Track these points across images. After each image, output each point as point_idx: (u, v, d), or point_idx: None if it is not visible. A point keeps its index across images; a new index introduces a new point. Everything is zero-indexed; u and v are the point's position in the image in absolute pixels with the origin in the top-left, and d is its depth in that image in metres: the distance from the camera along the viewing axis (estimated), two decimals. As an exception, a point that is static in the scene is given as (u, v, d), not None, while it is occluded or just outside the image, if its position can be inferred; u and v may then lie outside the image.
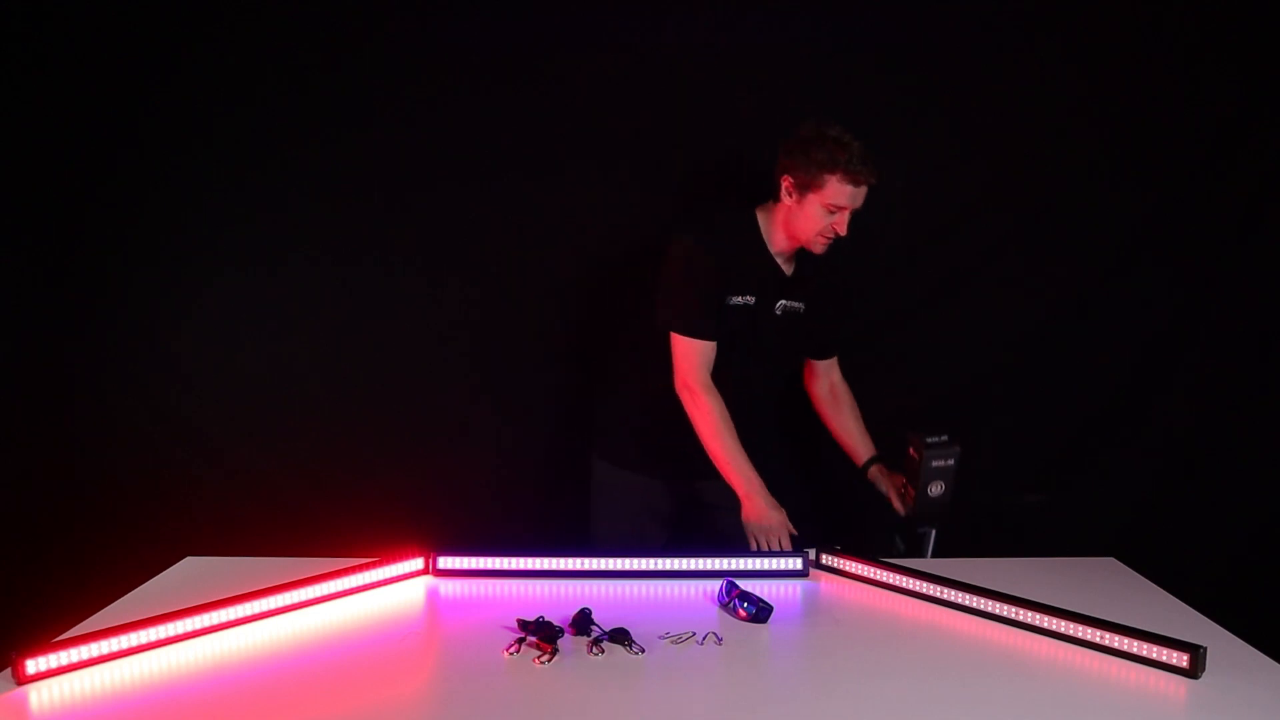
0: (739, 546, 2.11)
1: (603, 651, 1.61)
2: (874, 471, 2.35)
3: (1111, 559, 2.13)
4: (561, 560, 1.99)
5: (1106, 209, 2.66)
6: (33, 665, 1.50)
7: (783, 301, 2.23)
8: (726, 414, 2.14)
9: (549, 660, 1.57)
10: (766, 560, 2.00)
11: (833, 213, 2.08)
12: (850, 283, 2.39)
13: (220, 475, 2.71)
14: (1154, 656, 1.57)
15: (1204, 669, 1.53)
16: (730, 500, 2.16)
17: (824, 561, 2.04)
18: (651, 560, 1.99)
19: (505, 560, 1.98)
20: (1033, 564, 2.07)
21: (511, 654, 1.60)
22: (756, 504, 2.09)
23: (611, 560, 2.00)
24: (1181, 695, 1.50)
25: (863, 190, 2.08)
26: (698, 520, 2.41)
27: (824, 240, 2.12)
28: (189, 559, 2.07)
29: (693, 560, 1.99)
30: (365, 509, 2.67)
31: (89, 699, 1.47)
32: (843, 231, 2.10)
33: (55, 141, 2.58)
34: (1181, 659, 1.54)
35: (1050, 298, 2.70)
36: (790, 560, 2.00)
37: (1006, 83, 2.61)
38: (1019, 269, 2.68)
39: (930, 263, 2.70)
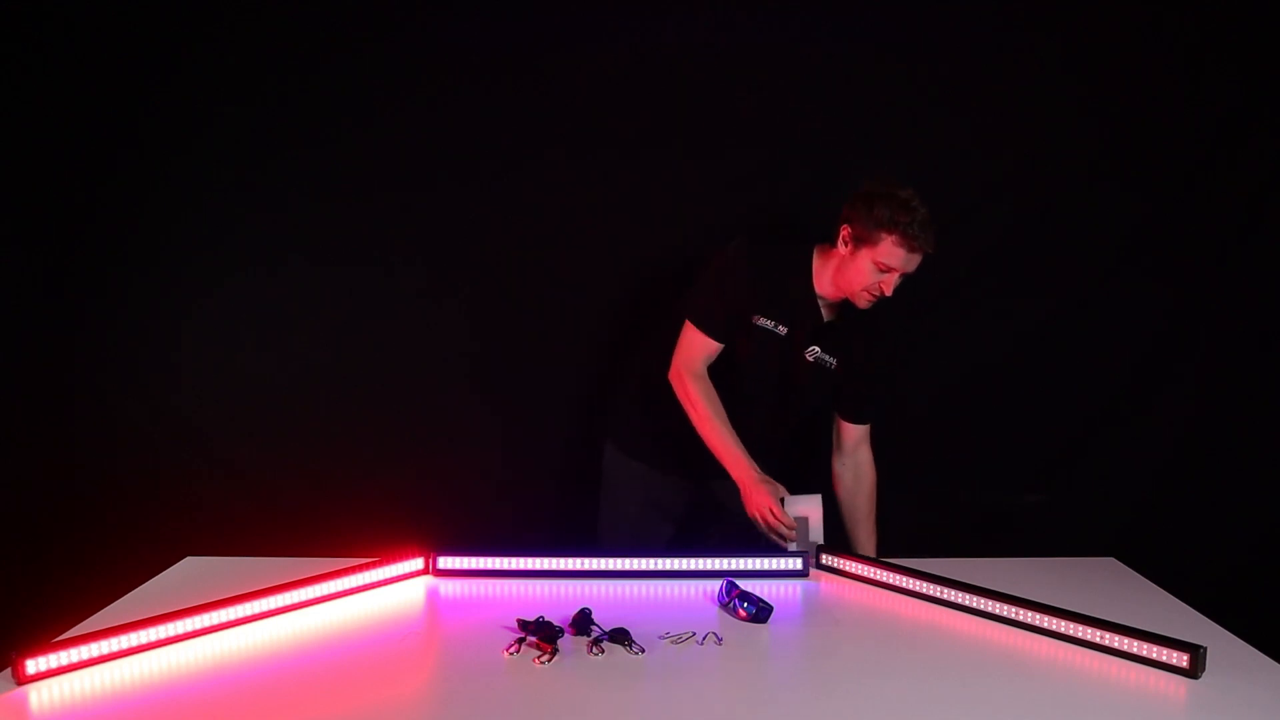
0: (745, 547, 2.11)
1: (603, 651, 1.61)
2: None
3: (1111, 559, 2.13)
4: (561, 560, 1.99)
5: (1106, 209, 2.66)
6: (33, 665, 1.49)
7: (815, 348, 2.19)
8: (717, 401, 2.14)
9: (549, 660, 1.57)
10: (766, 560, 2.00)
11: (883, 271, 2.04)
12: (895, 349, 2.35)
13: (220, 475, 2.71)
14: (1154, 656, 1.57)
15: (1204, 669, 1.53)
16: (739, 502, 2.16)
17: (824, 561, 2.04)
18: (651, 560, 2.00)
19: (505, 560, 1.98)
20: (1033, 564, 2.07)
21: (511, 654, 1.60)
22: (746, 488, 2.08)
23: (611, 560, 2.00)
24: (1181, 695, 1.50)
25: (917, 257, 2.04)
26: (705, 519, 2.41)
27: (869, 297, 2.09)
28: (189, 559, 2.07)
29: (693, 560, 1.99)
30: (365, 509, 2.67)
31: (89, 699, 1.47)
32: (888, 292, 2.06)
33: (55, 142, 2.58)
34: (1181, 659, 1.54)
35: (1050, 298, 2.70)
36: (790, 560, 2.00)
37: (1006, 83, 2.61)
38: (1019, 269, 2.69)
39: (930, 262, 2.69)
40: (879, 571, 1.95)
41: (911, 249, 2.02)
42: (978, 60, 2.59)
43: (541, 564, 1.98)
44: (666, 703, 1.46)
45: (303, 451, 2.71)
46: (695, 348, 2.17)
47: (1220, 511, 2.75)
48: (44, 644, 1.52)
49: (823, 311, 2.18)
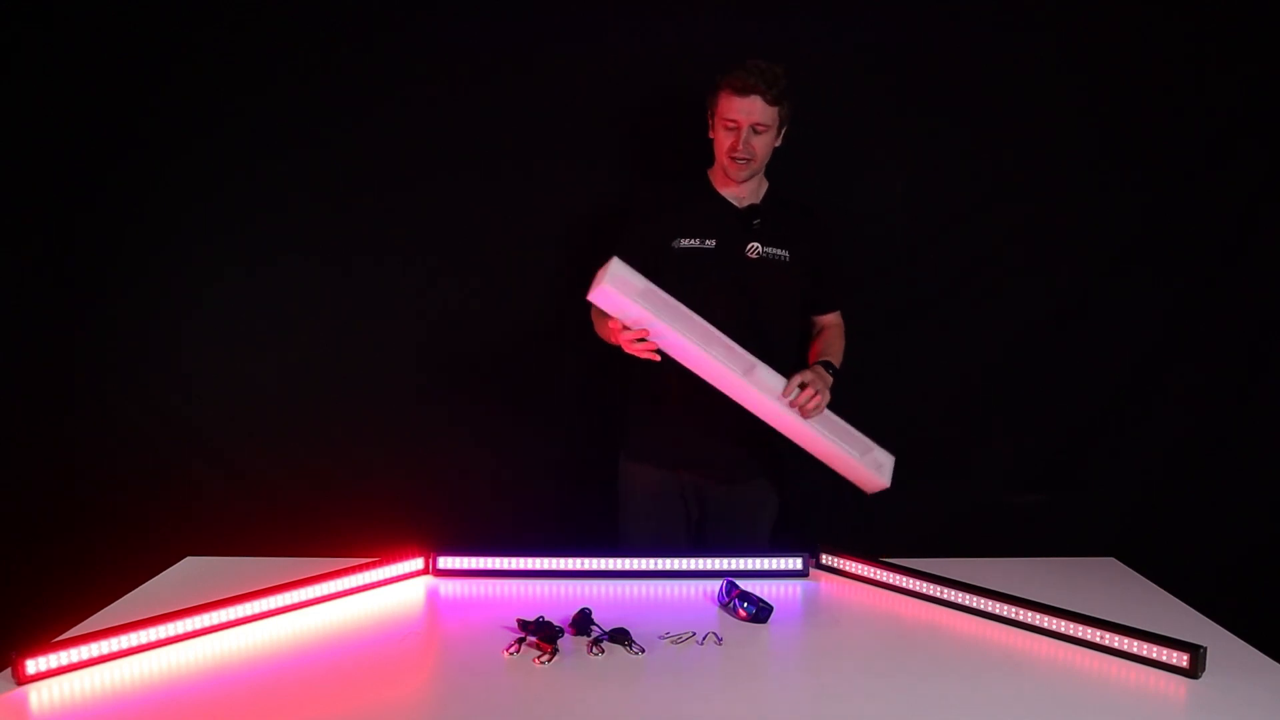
0: (745, 547, 2.12)
1: (603, 651, 1.61)
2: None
3: (1111, 559, 2.13)
4: (561, 560, 1.99)
5: (1106, 209, 2.66)
6: (33, 665, 1.50)
7: (755, 244, 2.17)
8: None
9: (549, 660, 1.57)
10: (766, 560, 2.00)
11: (731, 128, 2.10)
12: (827, 229, 2.30)
13: (220, 475, 2.71)
14: (1154, 656, 1.57)
15: (1204, 669, 1.53)
16: (732, 510, 2.18)
17: (824, 561, 2.04)
18: (651, 560, 2.00)
19: (505, 560, 1.98)
20: (1033, 564, 2.07)
21: (511, 654, 1.60)
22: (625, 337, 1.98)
23: (611, 560, 2.00)
24: (1181, 695, 1.50)
25: (753, 101, 2.07)
26: (721, 519, 2.33)
27: (735, 163, 2.12)
28: (189, 559, 2.07)
29: (693, 560, 1.99)
30: (365, 509, 2.67)
31: (89, 699, 1.47)
32: (739, 148, 2.09)
33: (55, 142, 2.58)
34: (1181, 659, 1.54)
35: (1050, 298, 2.70)
36: (790, 560, 2.00)
37: (1006, 83, 2.61)
38: (1019, 269, 2.69)
39: (931, 263, 2.70)
40: (879, 571, 1.95)
41: (742, 90, 2.07)
42: (978, 61, 2.59)
43: (541, 564, 1.98)
44: (666, 703, 1.46)
45: (303, 451, 2.71)
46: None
47: (1220, 511, 2.75)
48: (44, 644, 1.52)
49: (736, 205, 2.20)
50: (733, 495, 2.27)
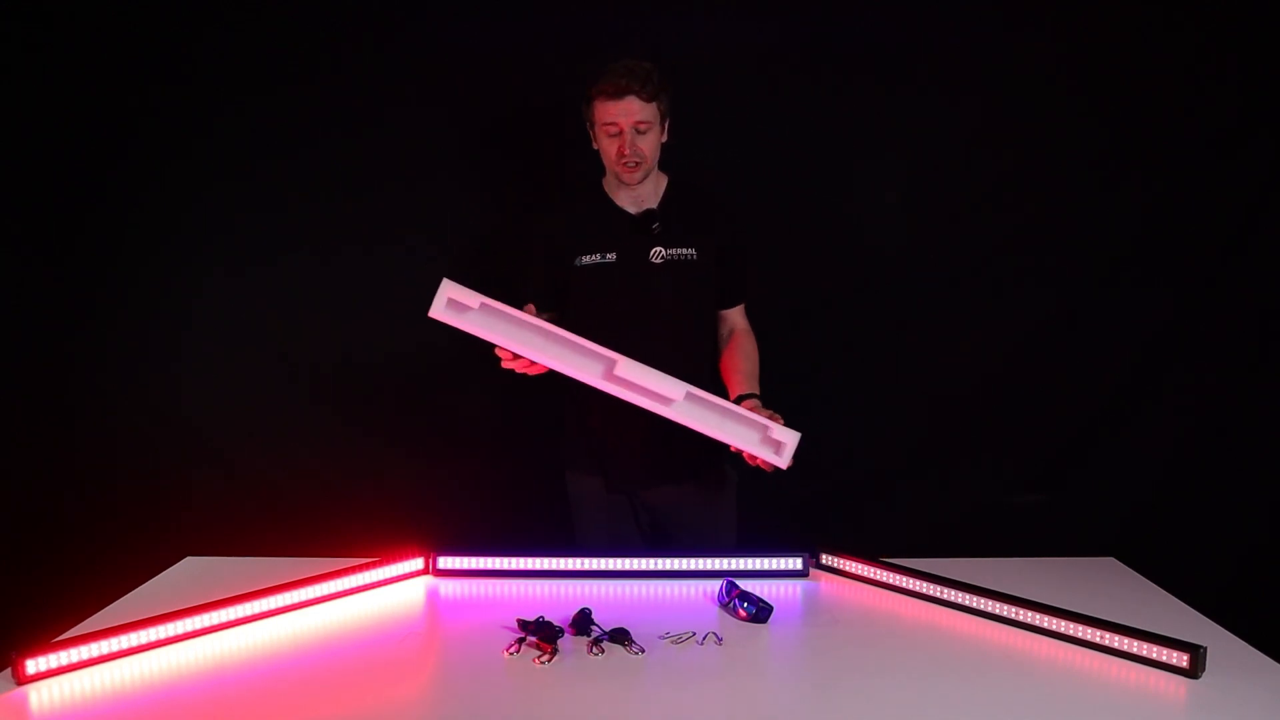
0: (745, 547, 2.09)
1: (603, 651, 1.61)
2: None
3: (1111, 559, 2.13)
4: (561, 560, 1.98)
5: (1106, 209, 2.66)
6: (33, 665, 1.50)
7: (659, 249, 2.09)
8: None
9: (549, 660, 1.57)
10: (766, 560, 2.00)
11: (615, 134, 2.01)
12: (733, 216, 2.19)
13: (220, 475, 2.71)
14: (1154, 656, 1.57)
15: (1204, 669, 1.53)
16: (680, 514, 2.18)
17: (824, 561, 2.04)
18: (651, 560, 1.99)
19: (505, 560, 1.98)
20: (1033, 564, 2.07)
21: (511, 654, 1.60)
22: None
23: (611, 560, 2.00)
24: (1181, 695, 1.49)
25: (629, 103, 1.98)
26: (676, 525, 2.29)
27: (625, 166, 2.03)
28: (189, 559, 2.07)
29: (693, 560, 1.99)
30: (365, 509, 2.67)
31: (89, 699, 1.47)
32: (626, 151, 2.01)
33: (55, 142, 2.58)
34: (1181, 659, 1.54)
35: (1050, 298, 2.70)
36: (790, 560, 2.00)
37: (1007, 84, 2.61)
38: (1019, 269, 2.69)
39: (931, 263, 2.71)
40: (879, 571, 1.95)
41: (615, 93, 1.98)
42: (978, 61, 2.60)
43: (541, 564, 1.98)
44: (666, 703, 1.46)
45: (303, 451, 2.71)
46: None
47: (1220, 511, 2.75)
48: (44, 644, 1.52)
49: (633, 212, 2.12)
50: (677, 498, 2.22)
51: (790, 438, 1.87)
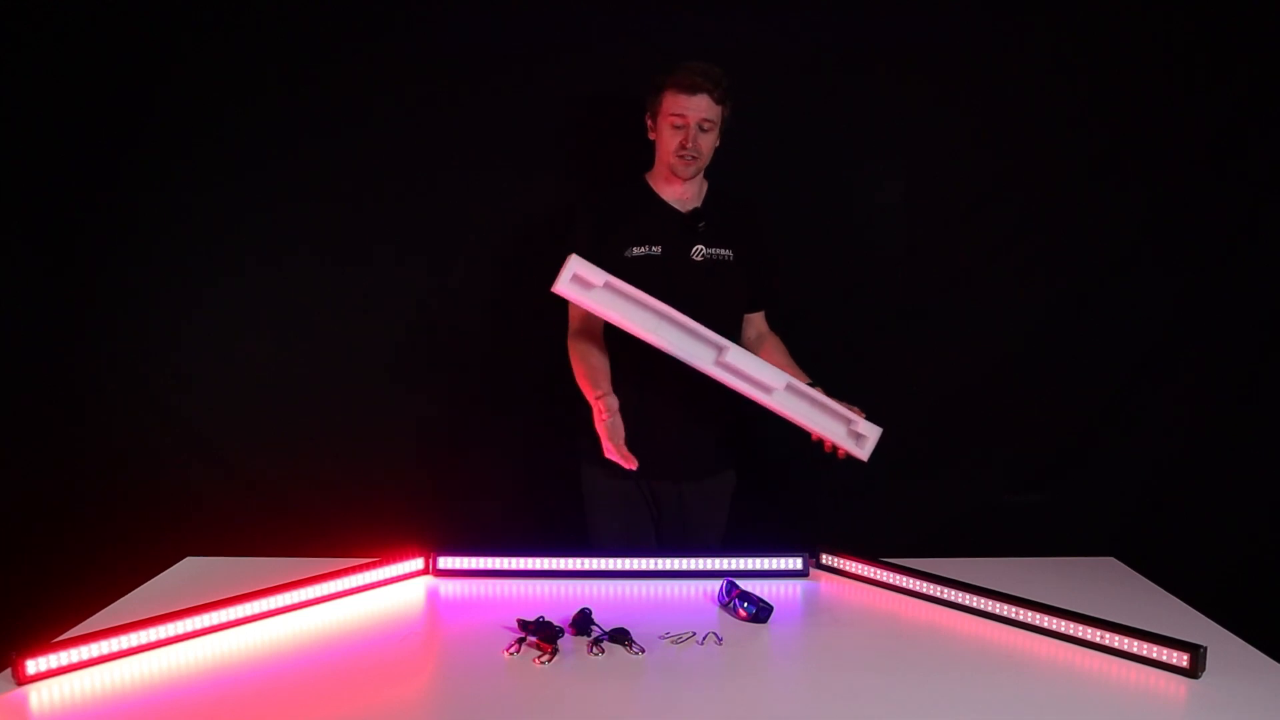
0: (744, 547, 2.10)
1: (603, 651, 1.61)
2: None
3: (1111, 559, 2.13)
4: (561, 560, 1.99)
5: (1107, 209, 2.66)
6: (33, 665, 1.50)
7: (699, 247, 2.17)
8: (589, 351, 2.14)
9: (549, 660, 1.57)
10: (766, 560, 2.00)
11: (679, 126, 2.10)
12: (767, 224, 2.30)
13: (220, 475, 2.71)
14: (1154, 656, 1.57)
15: (1204, 669, 1.53)
16: (698, 510, 2.21)
17: (824, 561, 2.04)
18: (651, 560, 2.00)
19: (505, 560, 1.98)
20: (1033, 564, 2.07)
21: (511, 654, 1.60)
22: (596, 411, 2.00)
23: (611, 560, 2.00)
24: (1181, 695, 1.50)
25: (700, 100, 2.08)
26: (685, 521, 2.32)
27: (683, 160, 2.12)
28: (189, 559, 2.07)
29: (693, 560, 1.99)
30: (365, 509, 2.67)
31: (89, 699, 1.47)
32: (688, 145, 2.10)
33: (56, 142, 2.58)
34: (1181, 659, 1.54)
35: (1050, 297, 2.70)
36: (790, 560, 2.00)
37: (1007, 83, 2.61)
38: (1019, 269, 2.69)
39: (931, 263, 2.70)
40: (879, 571, 1.95)
41: (690, 89, 2.08)
42: (978, 60, 2.59)
43: (541, 564, 1.98)
44: (666, 703, 1.46)
45: (303, 451, 2.71)
46: (572, 308, 2.17)
47: (1220, 511, 2.75)
48: (44, 644, 1.52)
49: (679, 209, 2.20)
50: (687, 494, 2.25)
51: (873, 432, 2.01)
